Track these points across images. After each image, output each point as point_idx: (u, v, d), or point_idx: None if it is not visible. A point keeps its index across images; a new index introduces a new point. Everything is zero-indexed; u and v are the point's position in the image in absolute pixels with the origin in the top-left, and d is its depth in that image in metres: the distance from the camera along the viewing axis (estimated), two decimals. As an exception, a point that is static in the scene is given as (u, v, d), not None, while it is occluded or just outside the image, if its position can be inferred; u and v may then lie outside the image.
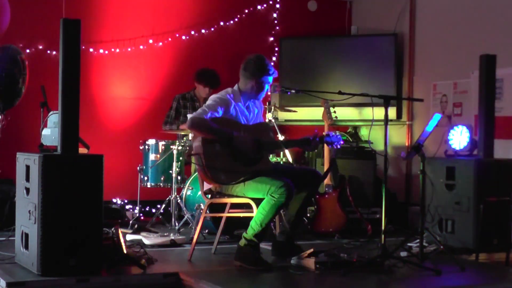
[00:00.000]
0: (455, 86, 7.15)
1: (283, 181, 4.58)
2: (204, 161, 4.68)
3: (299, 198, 4.89)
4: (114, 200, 7.32)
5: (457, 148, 5.85)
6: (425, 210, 5.25)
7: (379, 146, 7.40)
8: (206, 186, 4.95)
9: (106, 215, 5.97)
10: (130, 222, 6.42)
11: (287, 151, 6.54)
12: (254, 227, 4.64)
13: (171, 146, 6.50)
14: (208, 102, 4.87)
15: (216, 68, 7.37)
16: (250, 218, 4.73)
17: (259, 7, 8.15)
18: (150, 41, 7.63)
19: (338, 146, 5.02)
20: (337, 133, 5.01)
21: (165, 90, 7.67)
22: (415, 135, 7.60)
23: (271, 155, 6.06)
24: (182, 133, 6.60)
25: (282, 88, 5.09)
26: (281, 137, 6.60)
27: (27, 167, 4.40)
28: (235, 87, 4.99)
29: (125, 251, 4.50)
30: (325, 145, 5.80)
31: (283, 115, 7.71)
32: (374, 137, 7.45)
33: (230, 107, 4.87)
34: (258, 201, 4.72)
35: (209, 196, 4.97)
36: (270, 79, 4.95)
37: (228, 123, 4.79)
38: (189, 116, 4.79)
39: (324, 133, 5.05)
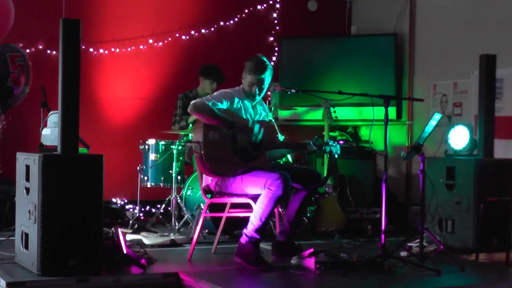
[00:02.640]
0: (455, 86, 7.15)
1: (280, 173, 4.59)
2: (203, 150, 4.69)
3: (298, 198, 4.90)
4: (114, 200, 7.33)
5: (457, 148, 5.85)
6: (425, 210, 5.25)
7: (379, 146, 7.41)
8: (206, 181, 4.95)
9: (106, 215, 6.00)
10: (130, 222, 6.42)
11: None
12: (254, 222, 4.65)
13: (171, 146, 6.50)
14: (215, 93, 4.90)
15: (216, 68, 7.38)
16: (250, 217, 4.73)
17: (259, 7, 8.15)
18: (150, 41, 7.64)
19: (336, 156, 5.01)
20: (336, 143, 5.00)
21: (165, 90, 7.67)
22: (415, 135, 7.60)
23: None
24: (182, 133, 6.59)
25: (282, 88, 5.08)
26: (281, 137, 6.61)
27: (27, 167, 4.40)
28: (241, 86, 5.02)
29: (125, 251, 4.50)
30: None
31: (283, 115, 7.71)
32: (374, 137, 7.46)
33: (235, 102, 4.89)
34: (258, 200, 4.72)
35: (209, 195, 4.97)
36: (261, 79, 4.90)
37: (232, 115, 4.80)
38: (192, 102, 4.80)
39: (325, 140, 5.05)
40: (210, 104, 4.73)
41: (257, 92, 4.95)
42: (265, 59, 4.99)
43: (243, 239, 4.69)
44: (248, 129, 4.77)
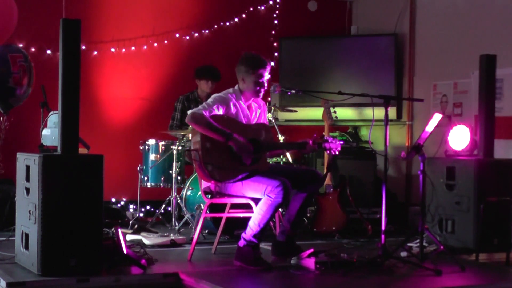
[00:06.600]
0: (455, 86, 7.15)
1: (280, 180, 4.58)
2: (201, 157, 4.68)
3: (299, 198, 4.89)
4: (114, 200, 7.33)
5: (457, 148, 5.85)
6: (425, 210, 5.25)
7: (379, 146, 7.40)
8: (205, 184, 4.95)
9: (106, 215, 6.00)
10: (130, 222, 6.42)
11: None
12: (252, 227, 4.64)
13: (171, 146, 6.50)
14: (209, 100, 4.88)
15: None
16: (250, 218, 4.72)
17: (259, 7, 8.15)
18: (150, 41, 7.64)
19: (336, 152, 4.99)
20: (337, 139, 4.98)
21: (165, 90, 7.67)
22: (415, 135, 7.60)
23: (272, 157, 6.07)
24: (182, 133, 6.60)
25: (282, 88, 5.07)
26: (281, 138, 6.61)
27: (27, 167, 4.40)
28: (236, 87, 4.99)
29: (125, 251, 4.50)
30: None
31: (283, 115, 7.71)
32: (374, 137, 7.45)
33: (231, 105, 4.87)
34: (257, 201, 4.72)
35: (209, 196, 4.97)
36: (266, 72, 4.91)
37: (228, 122, 4.80)
38: (189, 112, 4.79)
39: (324, 138, 5.03)
40: (208, 112, 4.72)
41: (263, 89, 4.93)
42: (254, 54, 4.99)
43: (241, 243, 4.69)
44: (246, 143, 4.76)
